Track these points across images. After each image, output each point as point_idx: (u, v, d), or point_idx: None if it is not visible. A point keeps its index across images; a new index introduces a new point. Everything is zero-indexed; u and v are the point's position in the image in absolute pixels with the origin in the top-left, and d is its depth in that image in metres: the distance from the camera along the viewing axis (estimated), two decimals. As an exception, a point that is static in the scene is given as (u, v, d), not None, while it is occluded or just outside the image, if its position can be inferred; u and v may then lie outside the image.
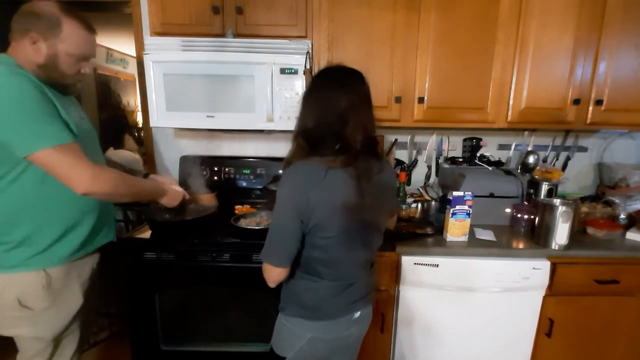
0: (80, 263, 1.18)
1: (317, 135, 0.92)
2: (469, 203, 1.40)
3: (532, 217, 1.54)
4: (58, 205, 1.06)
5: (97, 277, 1.27)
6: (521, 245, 1.43)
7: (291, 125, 1.52)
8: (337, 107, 0.90)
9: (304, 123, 0.93)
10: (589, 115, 1.59)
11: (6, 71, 0.93)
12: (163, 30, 1.55)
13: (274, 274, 0.94)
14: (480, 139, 1.84)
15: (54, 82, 1.04)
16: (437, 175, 1.94)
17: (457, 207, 1.41)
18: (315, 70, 1.55)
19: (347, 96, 0.91)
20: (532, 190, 1.70)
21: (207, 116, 1.52)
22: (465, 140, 1.88)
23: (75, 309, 1.17)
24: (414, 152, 1.94)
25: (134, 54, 1.84)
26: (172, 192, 1.29)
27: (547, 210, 1.40)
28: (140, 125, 3.68)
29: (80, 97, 3.12)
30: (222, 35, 1.53)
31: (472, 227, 1.49)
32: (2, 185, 0.99)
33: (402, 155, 1.94)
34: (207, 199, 1.58)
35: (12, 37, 1.00)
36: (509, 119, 1.61)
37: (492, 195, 1.62)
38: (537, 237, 1.44)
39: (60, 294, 1.12)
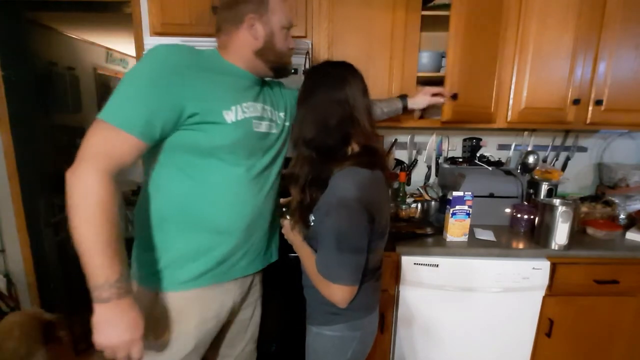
0: (208, 294, 0.93)
1: (323, 142, 0.87)
2: (469, 203, 1.40)
3: (532, 217, 1.54)
4: (196, 215, 0.87)
5: (236, 317, 1.06)
6: (521, 245, 1.43)
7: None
8: (340, 107, 0.86)
9: (303, 131, 0.88)
10: (589, 116, 1.59)
11: (167, 45, 0.81)
12: (163, 30, 1.54)
13: (348, 294, 0.86)
14: (480, 139, 1.84)
15: (272, 66, 0.95)
16: (437, 175, 1.94)
17: (457, 207, 1.41)
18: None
19: (346, 92, 0.87)
20: (532, 190, 1.70)
21: (207, 116, 1.52)
22: (465, 140, 1.88)
23: (179, 356, 0.92)
24: (414, 152, 1.94)
25: (134, 54, 1.84)
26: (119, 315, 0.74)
27: (547, 210, 1.40)
28: (140, 125, 3.67)
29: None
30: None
31: (472, 227, 1.49)
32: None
33: (402, 155, 1.94)
34: None
35: (220, 33, 0.92)
36: (508, 119, 1.61)
37: (492, 196, 1.62)
38: (537, 237, 1.44)
39: (168, 326, 0.90)
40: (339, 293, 0.85)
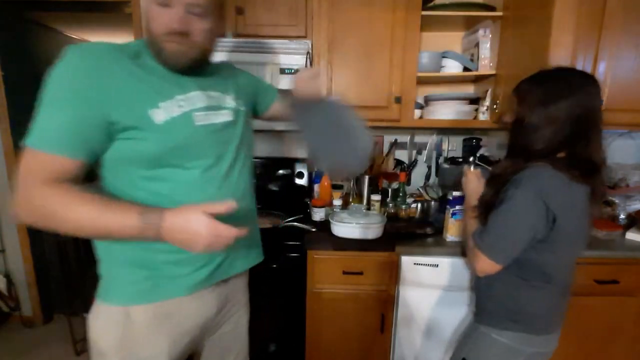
0: (177, 304, 0.82)
1: (548, 152, 0.86)
2: (469, 203, 1.40)
3: (532, 217, 1.54)
4: None
5: (213, 322, 0.92)
6: (521, 245, 1.43)
7: (291, 124, 1.53)
8: (577, 121, 0.83)
9: (532, 139, 0.86)
10: (589, 115, 1.59)
11: (77, 46, 0.70)
12: (163, 30, 1.54)
13: (489, 268, 0.89)
14: (480, 139, 1.84)
15: (156, 52, 0.75)
16: (437, 175, 1.94)
17: (457, 207, 1.40)
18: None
19: (587, 105, 0.84)
20: (532, 190, 1.70)
21: (207, 116, 1.52)
22: (465, 140, 1.87)
23: None
24: (414, 152, 1.94)
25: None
26: (177, 228, 0.69)
27: (547, 210, 1.40)
28: (140, 125, 3.67)
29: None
30: (222, 35, 1.53)
31: (472, 227, 1.49)
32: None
33: (402, 155, 1.94)
34: None
35: None
36: (508, 119, 1.60)
37: (492, 195, 1.62)
38: (537, 237, 1.44)
39: (137, 346, 0.80)
40: (484, 263, 0.88)
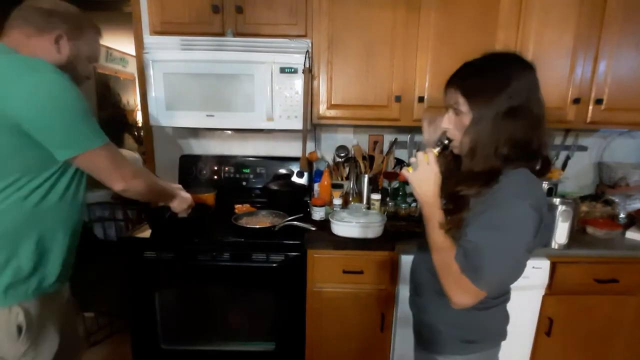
0: (56, 296, 1.00)
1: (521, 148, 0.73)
2: (469, 202, 1.40)
3: (532, 216, 1.54)
4: (52, 224, 0.93)
5: (71, 310, 1.10)
6: (521, 245, 1.43)
7: (291, 124, 1.53)
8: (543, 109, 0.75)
9: (513, 131, 0.72)
10: (589, 115, 1.59)
11: (52, 70, 0.84)
12: (163, 29, 1.54)
13: (474, 299, 0.72)
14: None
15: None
16: (437, 174, 1.93)
17: (457, 206, 1.40)
18: (315, 69, 1.55)
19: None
20: (532, 190, 1.70)
21: (207, 115, 1.52)
22: (465, 139, 1.87)
23: (51, 355, 0.97)
24: (414, 151, 1.94)
25: (134, 53, 1.84)
26: (181, 197, 1.29)
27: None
28: (140, 125, 3.68)
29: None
30: (222, 34, 1.53)
31: (471, 226, 1.49)
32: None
33: (402, 154, 1.94)
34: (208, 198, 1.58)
35: (24, 31, 0.90)
36: (509, 118, 1.60)
37: (492, 195, 1.61)
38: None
39: (38, 336, 0.93)
40: (468, 294, 0.72)
